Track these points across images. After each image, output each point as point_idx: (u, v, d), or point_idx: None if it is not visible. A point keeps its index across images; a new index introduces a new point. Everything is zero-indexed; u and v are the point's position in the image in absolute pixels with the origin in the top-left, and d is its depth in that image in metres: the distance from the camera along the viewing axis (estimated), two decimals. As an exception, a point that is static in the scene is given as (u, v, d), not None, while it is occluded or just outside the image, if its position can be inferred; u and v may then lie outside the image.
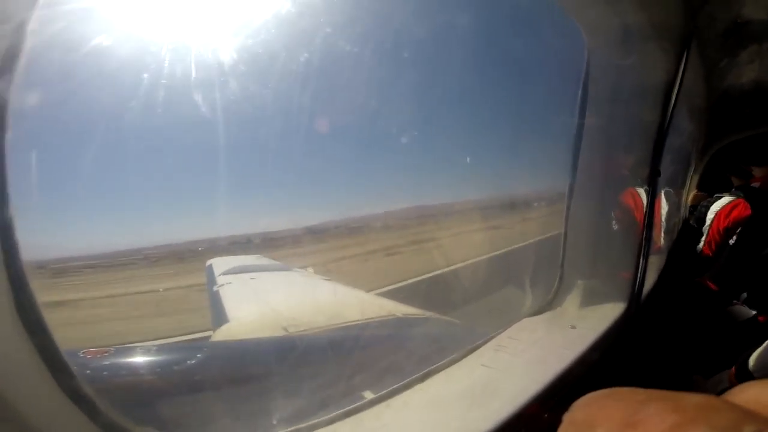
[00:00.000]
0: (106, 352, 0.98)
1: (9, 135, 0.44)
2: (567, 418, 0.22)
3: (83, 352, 0.94)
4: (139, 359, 1.01)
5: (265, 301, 2.15)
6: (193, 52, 0.80)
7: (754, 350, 1.61)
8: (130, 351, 1.21)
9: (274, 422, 0.70)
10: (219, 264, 2.57)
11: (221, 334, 1.72)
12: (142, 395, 0.87)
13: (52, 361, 0.45)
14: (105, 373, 0.90)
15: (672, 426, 0.17)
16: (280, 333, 1.49)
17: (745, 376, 1.58)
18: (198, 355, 1.00)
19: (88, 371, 0.86)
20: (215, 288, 2.21)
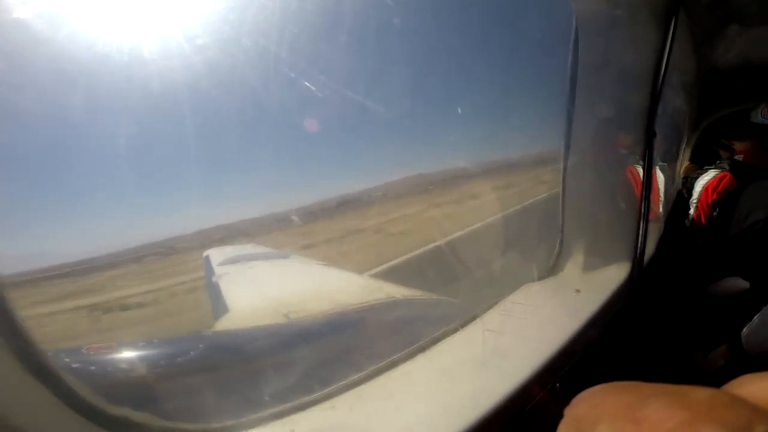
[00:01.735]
0: (105, 347, 0.96)
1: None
2: (569, 412, 0.21)
3: (85, 349, 0.91)
4: (137, 353, 0.96)
5: (264, 289, 2.11)
6: (177, 43, 0.76)
7: (745, 326, 1.58)
8: (128, 345, 1.17)
9: (267, 399, 0.64)
10: (216, 255, 2.52)
11: (223, 324, 1.68)
12: (143, 387, 0.82)
13: (29, 360, 0.43)
14: (108, 368, 0.87)
15: (681, 423, 0.16)
16: (281, 320, 1.45)
17: (738, 352, 1.56)
18: (198, 345, 0.95)
19: (93, 367, 0.83)
20: (214, 279, 2.17)
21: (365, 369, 0.67)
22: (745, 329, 1.60)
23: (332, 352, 0.81)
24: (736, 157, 2.39)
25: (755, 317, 1.59)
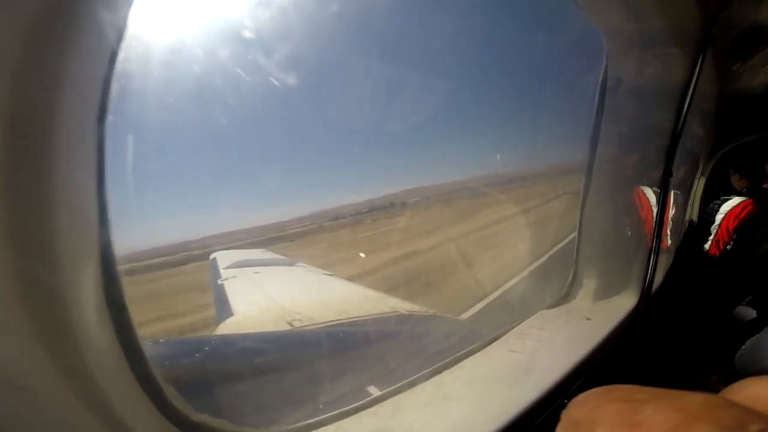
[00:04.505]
0: (162, 341, 1.04)
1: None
2: (565, 416, 0.22)
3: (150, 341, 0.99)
4: (181, 350, 1.08)
5: (268, 295, 2.22)
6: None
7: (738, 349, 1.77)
8: (178, 342, 1.27)
9: (320, 406, 0.79)
10: (223, 257, 2.65)
11: (226, 328, 1.80)
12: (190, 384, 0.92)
13: (131, 352, 0.47)
14: (167, 362, 0.94)
15: (677, 425, 0.17)
16: (283, 327, 1.57)
17: (731, 374, 1.74)
18: (250, 347, 1.07)
19: (156, 359, 0.91)
20: (219, 281, 2.30)
21: (401, 381, 0.83)
22: (739, 352, 1.78)
23: (370, 364, 0.96)
24: (765, 185, 2.55)
25: (748, 341, 1.77)
